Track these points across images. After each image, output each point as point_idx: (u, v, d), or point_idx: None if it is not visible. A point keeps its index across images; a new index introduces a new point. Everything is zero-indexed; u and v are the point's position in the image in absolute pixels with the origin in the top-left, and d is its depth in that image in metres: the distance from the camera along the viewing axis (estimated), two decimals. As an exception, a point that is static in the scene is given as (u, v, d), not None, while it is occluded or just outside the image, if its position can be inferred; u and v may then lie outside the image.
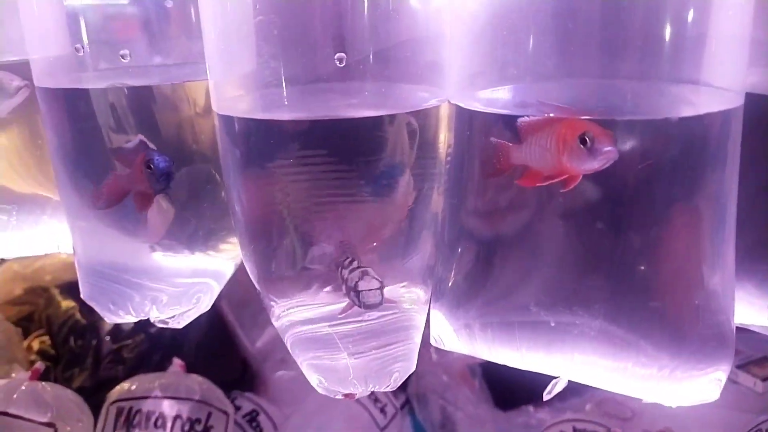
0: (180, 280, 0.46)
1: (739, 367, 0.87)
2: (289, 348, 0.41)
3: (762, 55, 0.40)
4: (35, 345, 0.97)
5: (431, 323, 0.44)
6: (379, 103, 0.36)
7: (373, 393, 0.86)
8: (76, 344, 0.88)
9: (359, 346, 0.40)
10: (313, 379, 0.40)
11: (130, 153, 0.40)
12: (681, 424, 0.79)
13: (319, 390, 0.41)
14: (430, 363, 0.95)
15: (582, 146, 0.30)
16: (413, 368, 0.42)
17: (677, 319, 0.35)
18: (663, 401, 0.37)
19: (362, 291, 0.35)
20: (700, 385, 0.36)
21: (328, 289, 0.39)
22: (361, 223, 0.37)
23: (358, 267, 0.37)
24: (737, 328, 0.46)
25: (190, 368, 0.80)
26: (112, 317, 0.45)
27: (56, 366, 0.89)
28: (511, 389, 0.89)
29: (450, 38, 0.39)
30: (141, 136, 0.41)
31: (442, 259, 0.42)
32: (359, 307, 0.36)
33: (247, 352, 0.92)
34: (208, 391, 0.70)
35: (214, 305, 0.94)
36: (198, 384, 0.70)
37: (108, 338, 0.86)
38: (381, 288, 0.35)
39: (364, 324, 0.40)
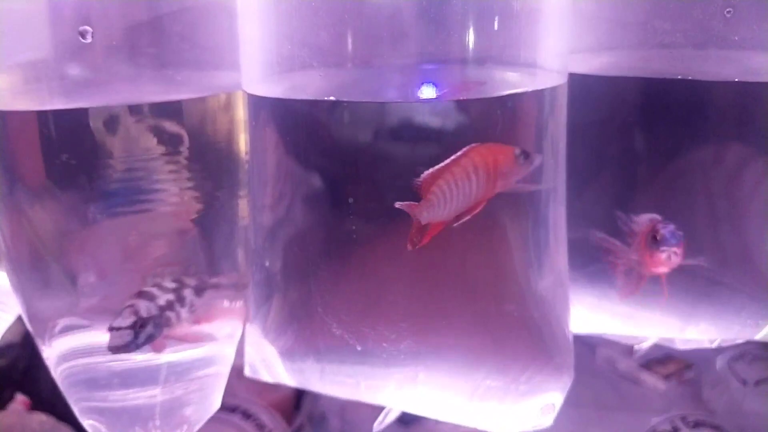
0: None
1: (641, 366, 0.85)
2: (61, 387, 0.34)
3: (614, 37, 0.36)
4: None
5: (245, 350, 0.37)
6: (137, 88, 0.30)
7: (257, 419, 0.79)
8: None
9: (144, 385, 0.34)
10: (86, 423, 0.34)
11: None
12: (583, 427, 0.76)
13: (95, 438, 0.34)
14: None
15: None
16: (218, 405, 0.36)
17: (491, 332, 0.30)
18: (492, 428, 0.32)
19: (111, 330, 0.29)
20: (530, 405, 0.31)
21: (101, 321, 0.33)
22: (119, 243, 0.30)
23: (135, 297, 0.31)
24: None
25: (47, 405, 0.71)
26: None
27: None
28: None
29: (244, 16, 0.33)
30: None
31: (254, 273, 0.36)
32: None
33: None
34: (52, 431, 0.61)
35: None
36: (40, 423, 0.62)
37: (-44, 374, 0.76)
38: (134, 327, 0.29)
39: (152, 361, 0.33)
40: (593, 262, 0.35)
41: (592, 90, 0.33)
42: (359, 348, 0.31)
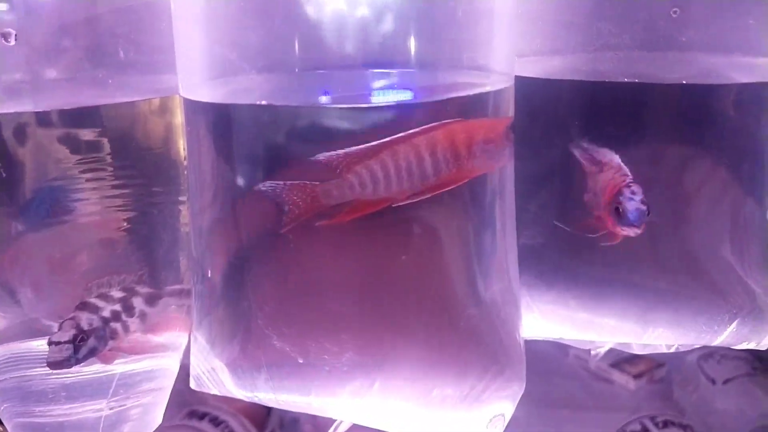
0: None
1: (612, 365, 0.85)
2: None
3: (559, 40, 0.35)
4: None
5: (191, 361, 0.36)
6: (64, 94, 0.29)
7: (227, 425, 0.78)
8: None
9: (92, 398, 0.32)
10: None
11: None
12: (554, 427, 0.75)
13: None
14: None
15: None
16: (159, 420, 0.35)
17: (435, 344, 0.29)
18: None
19: (50, 344, 0.28)
20: (478, 416, 0.30)
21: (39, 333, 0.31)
22: (47, 254, 0.29)
23: (77, 308, 0.29)
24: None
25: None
26: None
27: None
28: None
29: (177, 20, 0.31)
30: None
31: (195, 281, 0.35)
32: None
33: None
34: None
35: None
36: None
37: None
38: (75, 341, 0.28)
39: (91, 375, 0.32)
40: (544, 261, 0.35)
41: (539, 93, 0.32)
42: (301, 361, 0.30)
